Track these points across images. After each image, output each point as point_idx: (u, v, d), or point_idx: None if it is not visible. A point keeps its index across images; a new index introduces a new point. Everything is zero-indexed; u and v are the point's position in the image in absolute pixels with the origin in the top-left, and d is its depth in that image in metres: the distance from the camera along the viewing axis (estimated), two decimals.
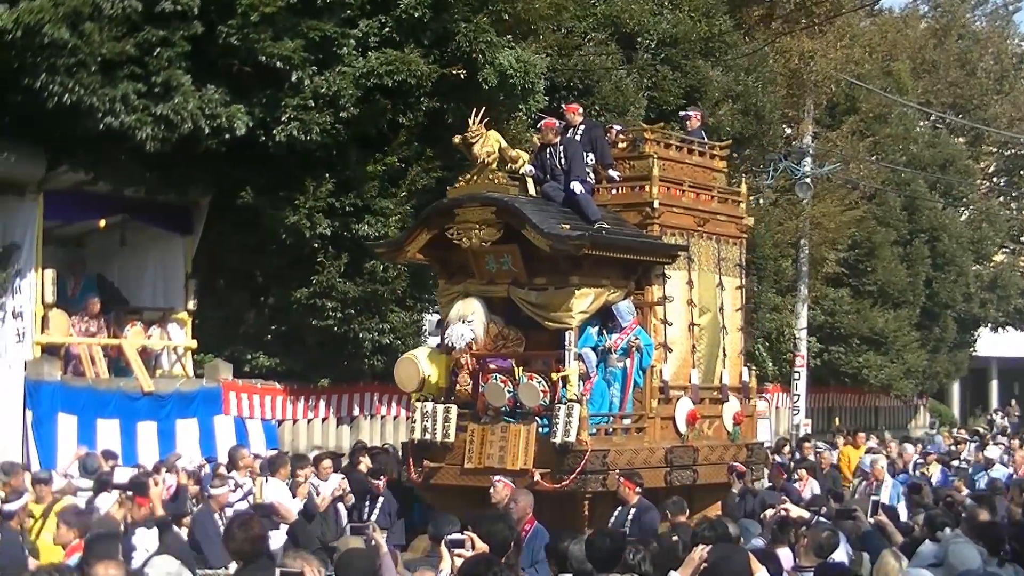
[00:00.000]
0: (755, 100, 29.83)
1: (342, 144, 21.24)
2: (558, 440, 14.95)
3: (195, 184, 21.51)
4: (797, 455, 24.80)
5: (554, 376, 15.35)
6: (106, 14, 18.40)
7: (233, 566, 9.14)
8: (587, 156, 16.37)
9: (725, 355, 17.42)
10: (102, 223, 22.60)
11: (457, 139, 16.36)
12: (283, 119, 20.36)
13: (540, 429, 15.32)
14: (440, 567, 9.09)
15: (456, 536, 9.23)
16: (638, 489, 14.49)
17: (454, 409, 15.80)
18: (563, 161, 16.11)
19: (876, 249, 36.83)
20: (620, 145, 17.34)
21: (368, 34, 20.94)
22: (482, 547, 9.03)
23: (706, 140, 18.48)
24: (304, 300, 21.78)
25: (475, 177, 15.97)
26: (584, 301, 15.46)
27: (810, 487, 19.62)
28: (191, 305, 22.58)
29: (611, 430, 15.81)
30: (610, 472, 14.96)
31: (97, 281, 22.53)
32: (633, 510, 14.27)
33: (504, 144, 16.32)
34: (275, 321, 22.89)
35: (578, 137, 16.48)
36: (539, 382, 15.36)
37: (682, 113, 20.22)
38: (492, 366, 15.77)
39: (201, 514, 14.66)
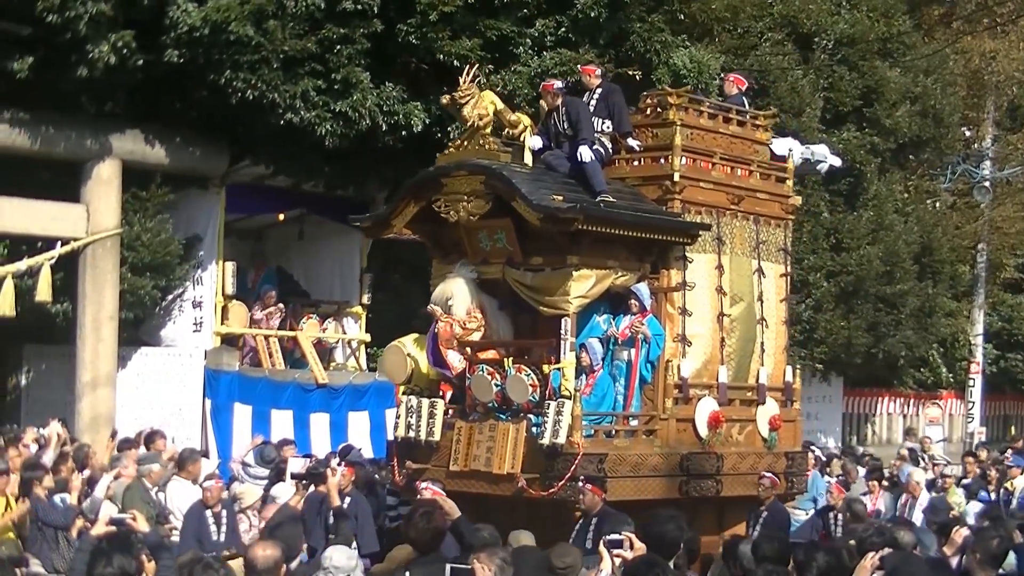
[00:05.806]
0: (934, 102, 29.28)
1: None
2: (546, 441, 12.94)
3: (372, 179, 21.83)
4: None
5: (546, 368, 13.26)
6: (289, 12, 18.82)
7: None
8: (604, 123, 14.28)
9: (764, 351, 15.01)
10: (281, 216, 23.09)
11: (445, 99, 14.38)
12: None
13: (533, 428, 13.25)
14: (600, 567, 9.03)
15: (615, 536, 9.08)
16: (604, 496, 12.63)
17: (440, 404, 13.92)
18: (566, 126, 14.08)
19: None
20: (646, 112, 14.92)
21: (544, 33, 21.01)
22: (640, 547, 8.87)
23: (747, 108, 15.84)
24: None
25: (465, 143, 13.95)
26: (584, 284, 13.35)
27: (881, 501, 18.02)
28: (366, 299, 22.94)
29: (613, 431, 13.65)
30: (607, 479, 12.93)
31: (277, 273, 23.02)
32: (595, 519, 12.32)
33: (501, 106, 14.44)
34: None
35: (594, 102, 14.40)
36: (528, 375, 13.30)
37: (721, 75, 17.94)
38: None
39: (311, 496, 14.08)
